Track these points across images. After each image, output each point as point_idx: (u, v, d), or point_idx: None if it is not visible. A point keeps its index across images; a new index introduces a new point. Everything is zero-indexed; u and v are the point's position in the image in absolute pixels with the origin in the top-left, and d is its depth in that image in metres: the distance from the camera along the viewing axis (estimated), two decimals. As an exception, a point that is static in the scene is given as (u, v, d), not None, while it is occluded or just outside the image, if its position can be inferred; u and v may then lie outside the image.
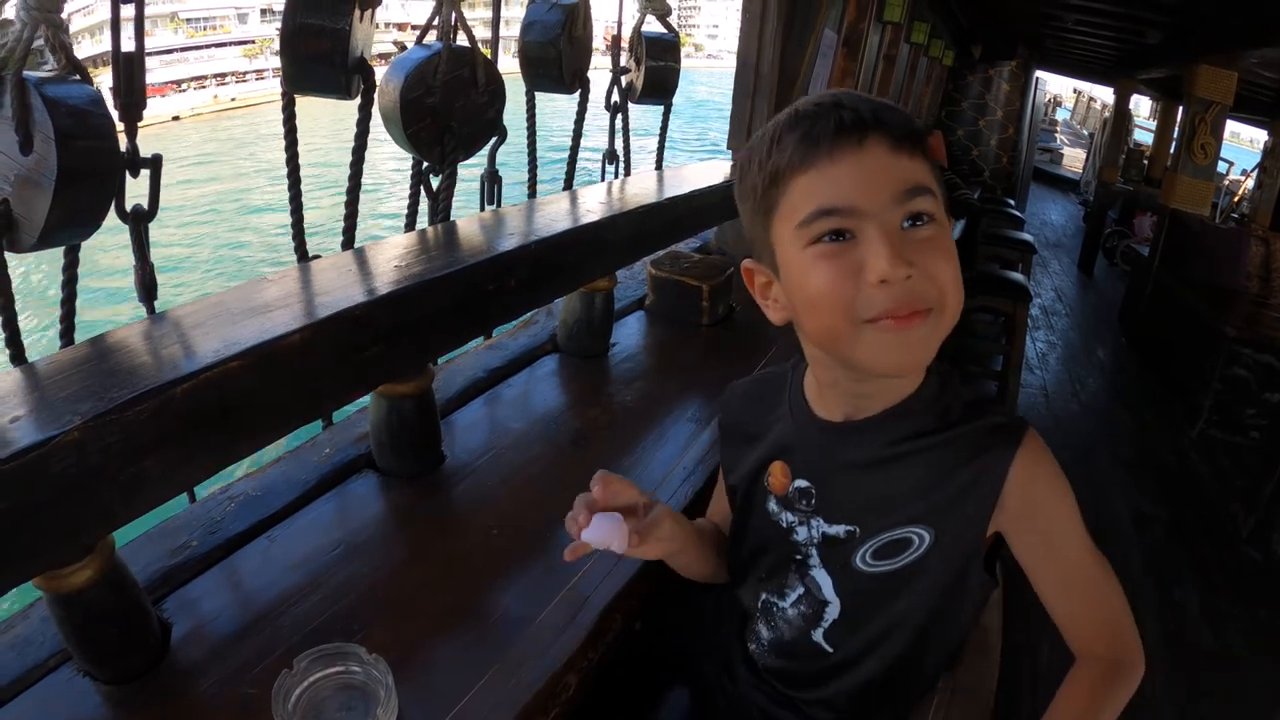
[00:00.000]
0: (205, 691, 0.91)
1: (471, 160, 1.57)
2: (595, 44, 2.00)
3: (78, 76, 0.98)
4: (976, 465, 0.83)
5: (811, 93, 2.66)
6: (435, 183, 1.52)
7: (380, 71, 1.37)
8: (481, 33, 1.55)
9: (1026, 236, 5.27)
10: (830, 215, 0.76)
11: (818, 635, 0.94)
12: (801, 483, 0.92)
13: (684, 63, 2.06)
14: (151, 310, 1.15)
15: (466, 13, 1.43)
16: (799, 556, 0.93)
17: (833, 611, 0.92)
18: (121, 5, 1.09)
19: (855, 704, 0.95)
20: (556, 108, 1.93)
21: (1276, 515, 3.12)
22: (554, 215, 1.59)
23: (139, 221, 1.13)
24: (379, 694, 0.85)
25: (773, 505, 0.95)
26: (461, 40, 1.43)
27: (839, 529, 0.89)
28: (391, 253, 1.28)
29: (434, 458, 1.36)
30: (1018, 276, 4.01)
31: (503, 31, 1.72)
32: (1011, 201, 6.94)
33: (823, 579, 0.92)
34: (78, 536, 0.83)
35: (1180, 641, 2.58)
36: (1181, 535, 3.25)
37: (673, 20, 1.98)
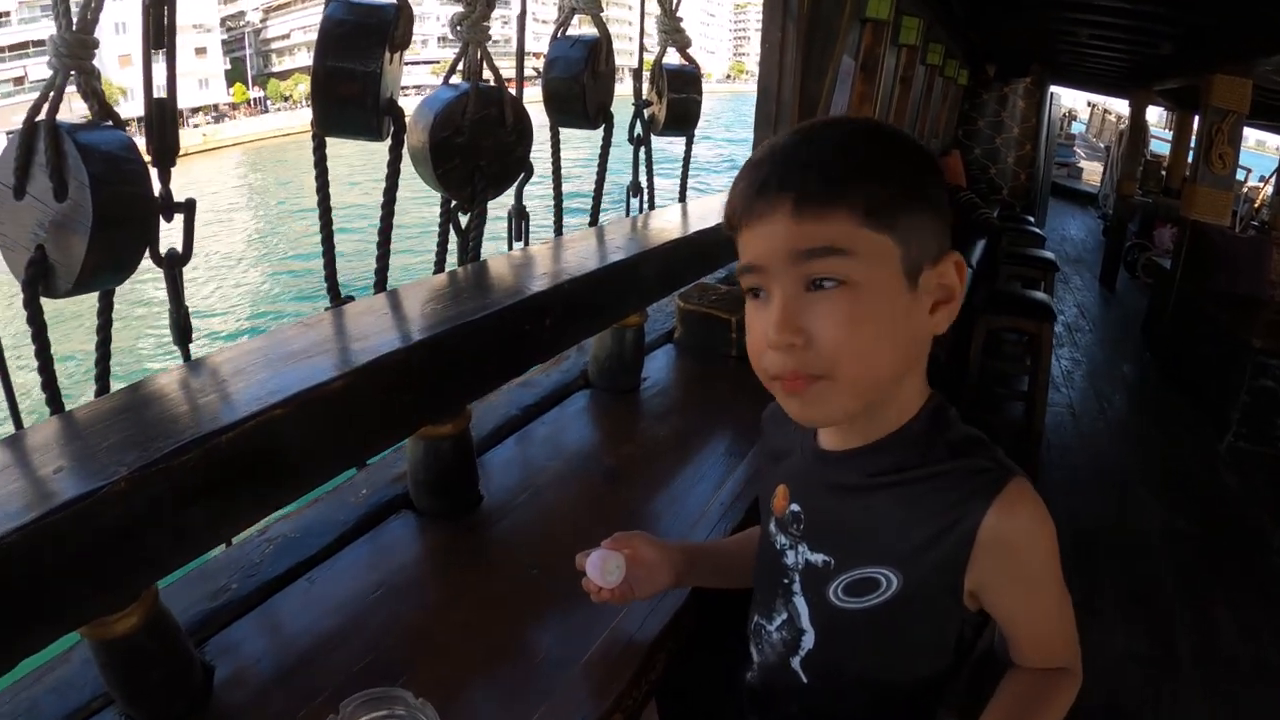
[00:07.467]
0: (249, 738, 0.91)
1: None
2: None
3: (110, 122, 1.00)
4: (951, 513, 0.79)
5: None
6: (464, 221, 1.52)
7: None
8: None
9: (1048, 254, 5.24)
10: (748, 273, 0.81)
11: (795, 663, 0.93)
12: (795, 507, 0.92)
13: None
14: (187, 355, 1.15)
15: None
16: (785, 580, 0.93)
17: (809, 641, 0.91)
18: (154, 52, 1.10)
19: None
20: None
21: (1306, 526, 3.08)
22: (583, 253, 1.59)
23: (174, 265, 1.14)
24: (427, 740, 0.84)
25: (772, 527, 0.96)
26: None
27: (819, 557, 0.89)
28: (425, 295, 1.28)
29: (472, 498, 1.35)
30: (1041, 295, 3.99)
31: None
32: (1031, 218, 6.93)
33: (802, 606, 0.91)
34: (123, 586, 0.83)
35: (1214, 658, 2.55)
36: (1212, 550, 3.22)
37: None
